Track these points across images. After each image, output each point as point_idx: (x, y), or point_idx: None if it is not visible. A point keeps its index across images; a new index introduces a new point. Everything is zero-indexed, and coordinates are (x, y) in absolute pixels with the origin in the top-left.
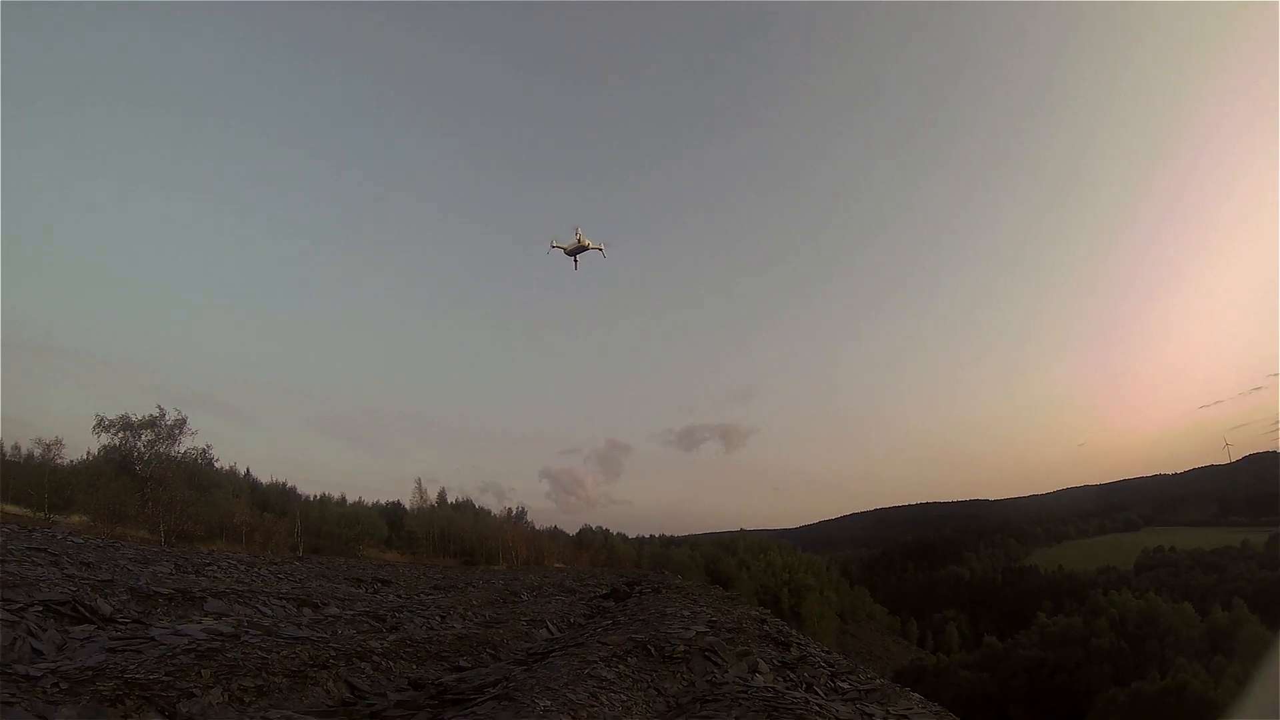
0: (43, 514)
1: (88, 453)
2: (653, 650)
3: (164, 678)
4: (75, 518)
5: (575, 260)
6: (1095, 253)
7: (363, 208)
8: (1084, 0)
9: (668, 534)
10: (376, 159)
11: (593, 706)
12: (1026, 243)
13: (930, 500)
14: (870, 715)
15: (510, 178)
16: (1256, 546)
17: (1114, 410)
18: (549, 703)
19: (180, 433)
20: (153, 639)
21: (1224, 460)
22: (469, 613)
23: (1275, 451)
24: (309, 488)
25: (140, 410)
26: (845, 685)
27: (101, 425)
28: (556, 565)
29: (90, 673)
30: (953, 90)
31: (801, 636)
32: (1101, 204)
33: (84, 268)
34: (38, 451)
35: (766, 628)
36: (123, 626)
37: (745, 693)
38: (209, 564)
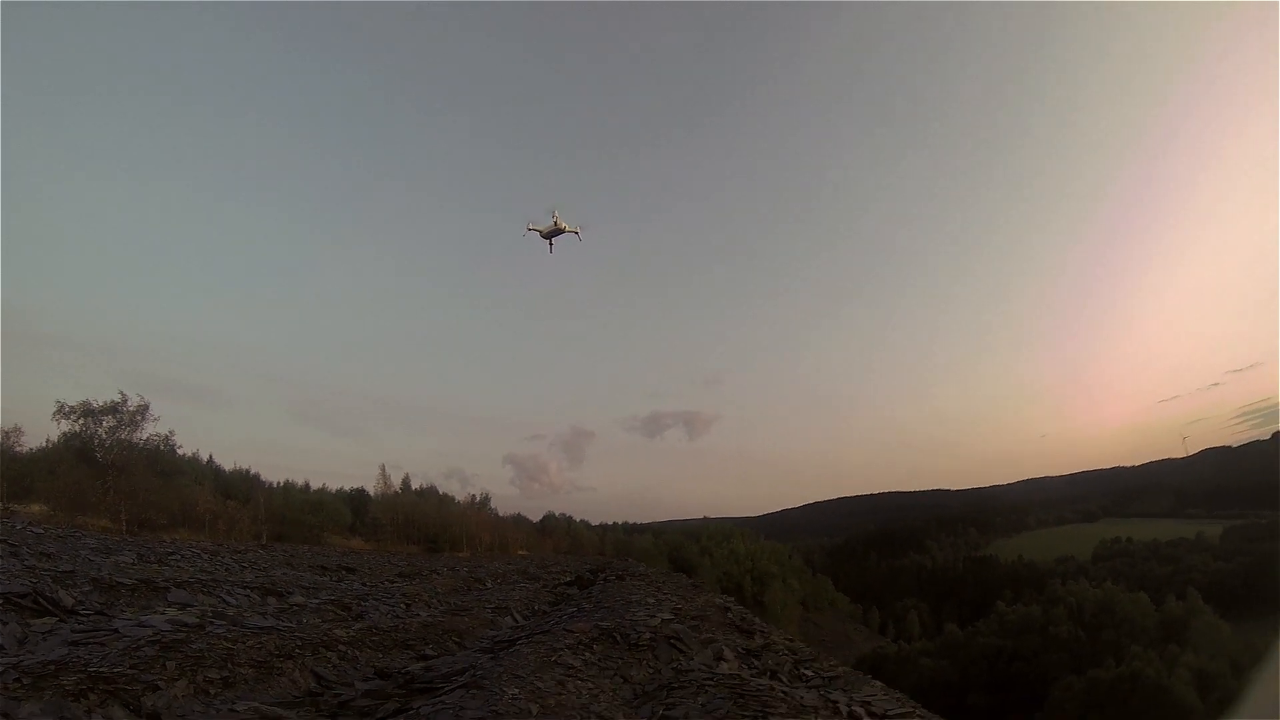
0: (1, 503)
1: (47, 440)
2: (618, 638)
3: (128, 670)
4: (35, 507)
5: (550, 243)
6: (1059, 250)
7: (330, 192)
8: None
9: (631, 521)
10: (348, 144)
11: (560, 694)
12: (993, 239)
13: (893, 490)
14: (834, 702)
15: (482, 164)
16: (1211, 539)
17: (1075, 404)
18: (517, 691)
19: (142, 419)
20: (116, 631)
21: (1181, 454)
22: (434, 600)
23: (1231, 446)
24: (272, 474)
25: (102, 396)
26: (809, 673)
27: (61, 412)
28: (520, 552)
29: (53, 667)
30: (923, 85)
31: (765, 624)
32: (1066, 202)
33: (47, 250)
34: None
35: (730, 615)
36: (85, 619)
37: (711, 680)
38: (172, 553)
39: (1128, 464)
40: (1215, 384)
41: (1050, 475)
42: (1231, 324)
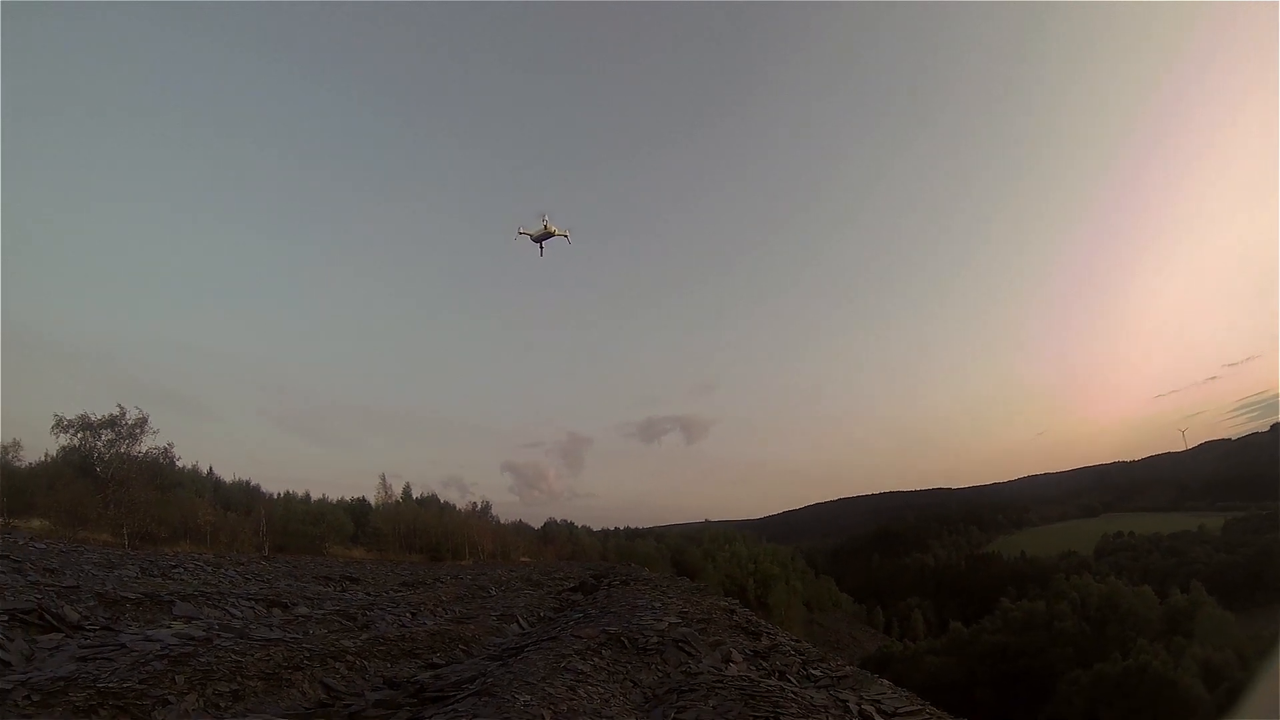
0: (1, 518)
1: (46, 454)
2: (626, 642)
3: (137, 685)
4: (35, 522)
5: (541, 246)
6: (1053, 246)
7: (324, 201)
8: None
9: (633, 526)
10: (340, 153)
11: (571, 700)
12: (986, 238)
13: (893, 489)
14: (844, 702)
15: (473, 172)
16: (1213, 530)
17: (1073, 400)
18: (529, 697)
19: (141, 432)
20: (123, 645)
21: (1180, 447)
22: (439, 609)
23: (1230, 438)
24: (272, 485)
25: (100, 408)
26: (817, 673)
27: (60, 425)
28: (523, 559)
29: (62, 683)
30: (914, 85)
31: (771, 626)
32: (1059, 200)
33: (43, 260)
34: None
35: (736, 618)
36: (91, 634)
37: (720, 682)
38: (175, 566)
39: (1127, 459)
40: (1213, 377)
41: (1050, 471)
42: (1228, 317)
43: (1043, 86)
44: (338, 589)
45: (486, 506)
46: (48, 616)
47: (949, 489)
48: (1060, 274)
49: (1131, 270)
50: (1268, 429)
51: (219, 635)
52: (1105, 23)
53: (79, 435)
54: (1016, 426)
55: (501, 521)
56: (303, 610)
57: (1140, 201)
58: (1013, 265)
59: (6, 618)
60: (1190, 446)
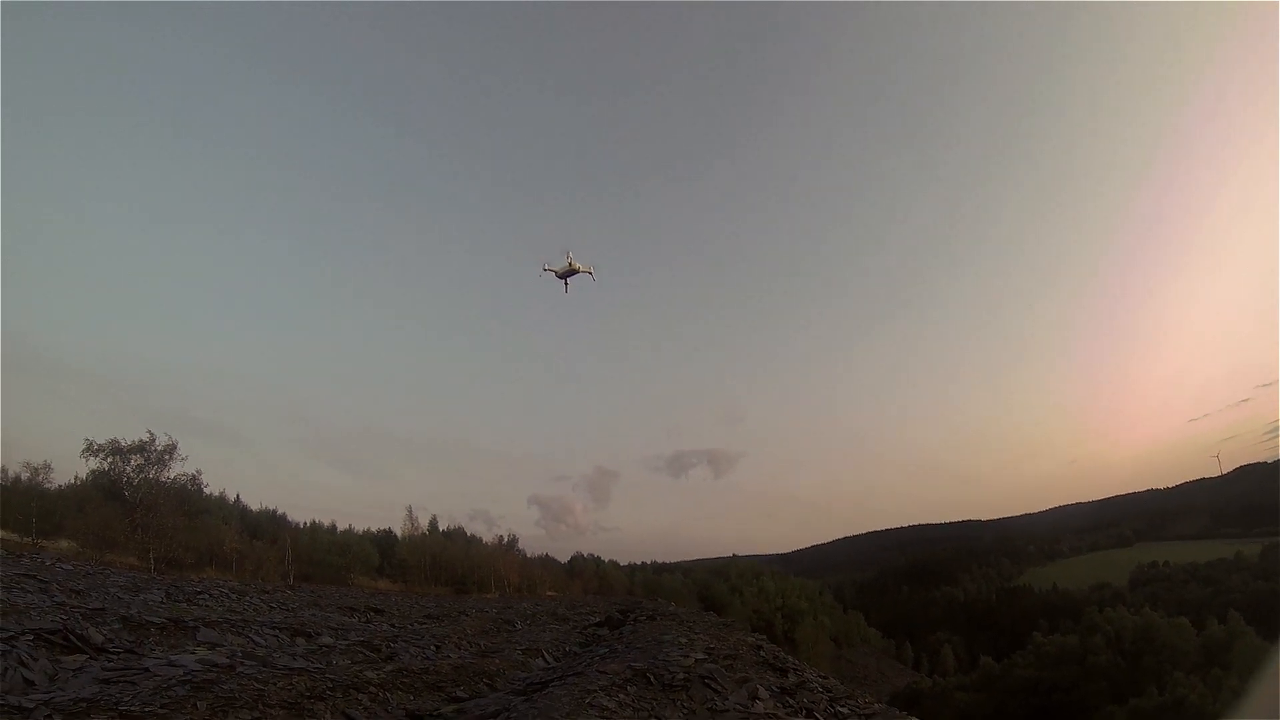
0: (30, 539)
1: (75, 477)
2: (652, 678)
3: (159, 710)
4: (63, 543)
5: (565, 283)
6: (1081, 271)
7: (357, 232)
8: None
9: (659, 561)
10: (374, 183)
11: None
12: (1014, 263)
13: (922, 522)
14: None
15: (500, 205)
16: (1250, 558)
17: (1103, 426)
18: None
19: (170, 458)
20: (147, 670)
21: (1215, 473)
22: (464, 642)
23: (1266, 462)
24: (299, 514)
25: (130, 433)
26: (844, 710)
27: (90, 449)
28: (549, 593)
29: (84, 704)
30: (940, 104)
31: (798, 662)
32: (1087, 220)
33: (75, 286)
34: (25, 475)
35: (763, 654)
36: (115, 656)
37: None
38: (200, 592)
39: (1160, 486)
40: (1245, 399)
41: (1081, 501)
42: (1260, 337)
43: (1073, 102)
44: (362, 620)
45: (513, 540)
46: (72, 638)
47: (979, 521)
48: (1090, 300)
49: (1161, 293)
50: None
51: (242, 662)
52: (1139, 29)
53: (109, 459)
54: (1047, 456)
55: (528, 555)
56: (326, 640)
57: (1170, 219)
58: (1041, 293)
59: (31, 637)
60: (1225, 471)
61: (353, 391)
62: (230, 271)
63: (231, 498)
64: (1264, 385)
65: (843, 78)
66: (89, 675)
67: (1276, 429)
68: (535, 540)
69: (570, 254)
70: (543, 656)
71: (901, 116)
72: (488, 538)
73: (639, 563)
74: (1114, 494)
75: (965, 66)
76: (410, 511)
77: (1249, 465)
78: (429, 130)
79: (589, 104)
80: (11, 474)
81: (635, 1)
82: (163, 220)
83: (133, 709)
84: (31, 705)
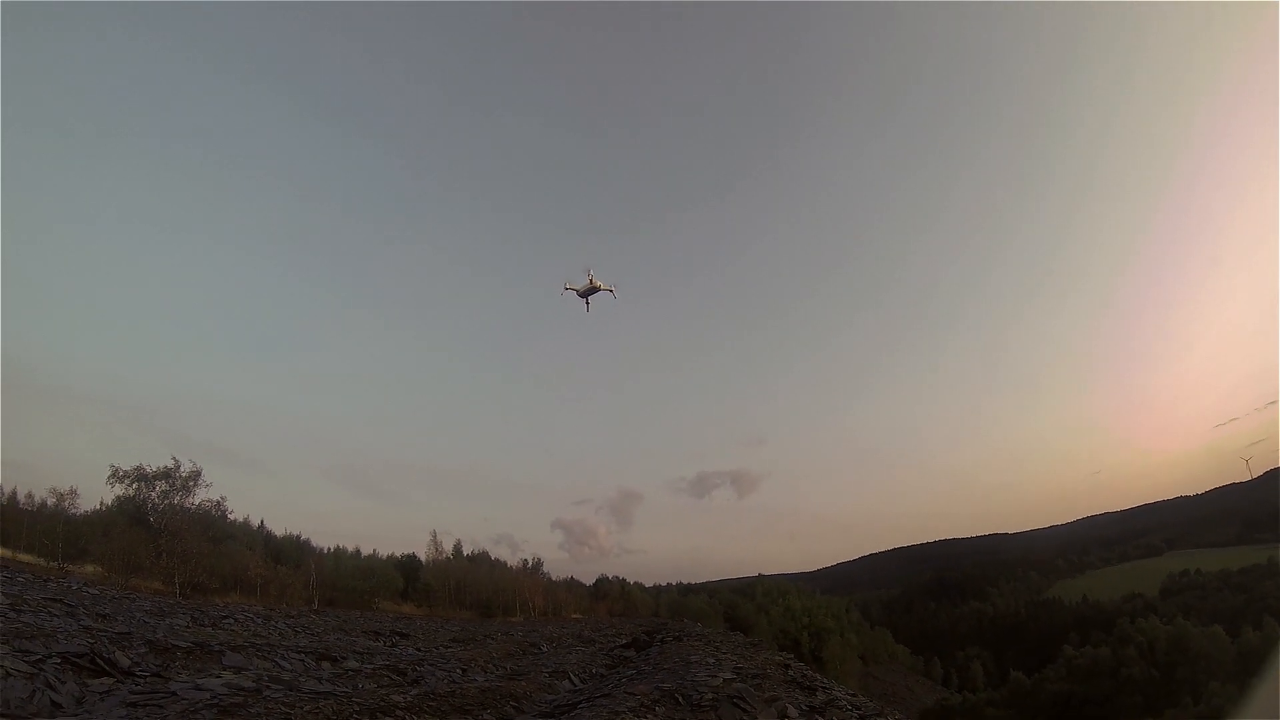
0: (56, 563)
1: (101, 502)
2: (681, 699)
3: None
4: (89, 568)
5: (587, 302)
6: (1104, 278)
7: (380, 257)
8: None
9: (684, 582)
10: (394, 208)
11: None
12: (1035, 273)
13: (949, 537)
14: None
15: (522, 229)
16: None
17: (1129, 435)
18: None
19: (195, 484)
20: (174, 693)
21: (1244, 478)
22: (490, 665)
23: None
24: (323, 540)
25: (155, 460)
26: None
27: (116, 475)
28: (574, 616)
29: None
30: (957, 119)
31: (826, 680)
32: (1110, 228)
33: (99, 312)
34: (51, 500)
35: (791, 673)
36: (142, 680)
37: None
38: (225, 617)
39: (1190, 493)
40: (1273, 402)
41: (1110, 511)
42: None
43: (1092, 112)
44: (387, 644)
45: (538, 564)
46: (99, 661)
47: (1006, 534)
48: (1113, 307)
49: (1182, 298)
50: None
51: (269, 686)
52: (1163, 26)
53: (134, 485)
54: (1072, 466)
55: (553, 578)
56: (352, 664)
57: (1190, 222)
58: (1066, 302)
59: (59, 660)
60: (1255, 476)
61: (377, 418)
62: (255, 300)
63: (256, 523)
64: None
65: (861, 91)
66: (116, 699)
67: None
68: (560, 563)
69: (591, 272)
70: (569, 679)
71: (920, 133)
72: (512, 562)
73: (664, 584)
74: (1142, 503)
75: (986, 77)
76: (434, 536)
77: (1279, 469)
78: (457, 160)
79: (615, 125)
80: (38, 500)
81: (654, 13)
82: (188, 247)
83: None
84: None
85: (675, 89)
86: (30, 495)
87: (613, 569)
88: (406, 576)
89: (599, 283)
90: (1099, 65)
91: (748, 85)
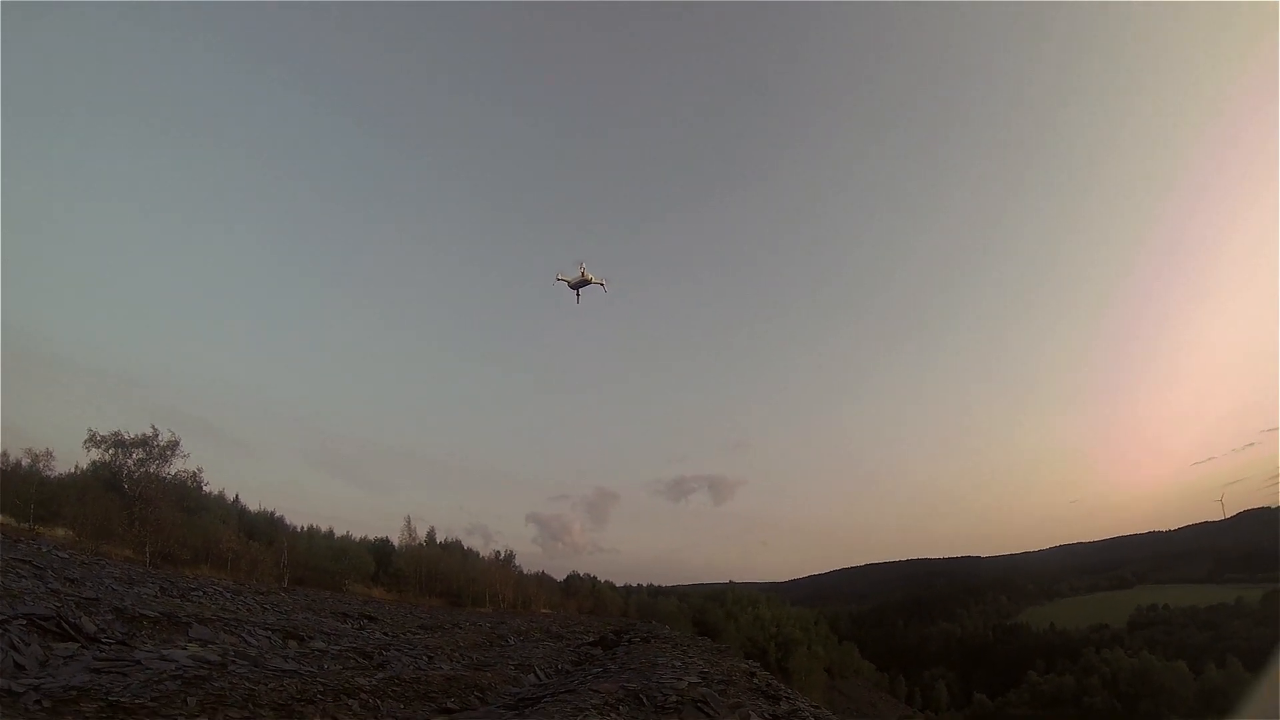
0: (27, 525)
1: (76, 466)
2: (645, 700)
3: (149, 703)
4: (60, 531)
5: (578, 294)
6: (1091, 309)
7: (365, 242)
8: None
9: (655, 584)
10: (380, 194)
11: None
12: (1027, 297)
13: (921, 556)
14: None
15: (509, 221)
16: (1252, 604)
17: (1107, 467)
18: None
19: (172, 454)
20: (138, 662)
21: (1217, 517)
22: (457, 654)
23: (1270, 507)
24: (297, 518)
25: (133, 428)
26: None
27: (93, 440)
28: (543, 611)
29: (74, 692)
30: (953, 135)
31: (790, 691)
32: (1096, 263)
33: (87, 280)
34: (26, 461)
35: (756, 681)
36: (107, 647)
37: None
38: (194, 589)
39: (1163, 528)
40: (1251, 444)
41: (1083, 541)
42: (1263, 382)
43: (1082, 139)
44: (355, 626)
45: (510, 556)
46: (65, 625)
47: (979, 557)
48: (1097, 340)
49: (1167, 335)
50: None
51: (234, 661)
52: (1158, 57)
53: (110, 451)
54: (1048, 493)
55: (524, 571)
56: (319, 644)
57: (1178, 267)
58: (1050, 331)
59: (25, 622)
60: (1228, 516)
61: (358, 403)
62: (240, 278)
63: (231, 497)
64: (1270, 430)
65: (854, 94)
66: (80, 664)
67: None
68: (532, 557)
69: (583, 265)
70: (535, 673)
71: (915, 141)
72: (485, 552)
73: (635, 585)
74: (1116, 534)
75: (980, 99)
76: (409, 521)
77: (1253, 510)
78: (437, 143)
79: (602, 121)
80: (13, 459)
81: (650, 11)
82: (177, 225)
83: (123, 700)
84: (21, 690)
85: (670, 90)
86: (5, 455)
87: (585, 566)
88: (378, 560)
89: (590, 275)
90: (1100, 84)
91: (740, 88)
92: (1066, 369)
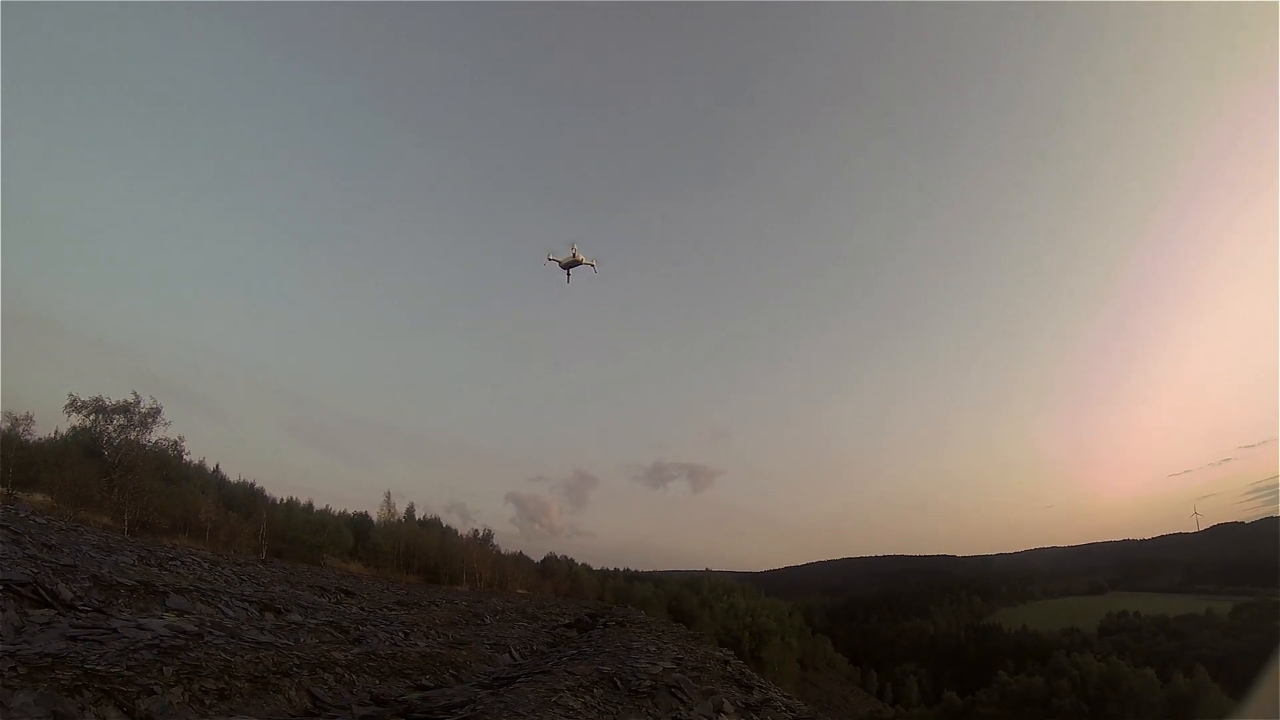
0: (5, 489)
1: (56, 432)
2: (619, 684)
3: (125, 672)
4: (37, 496)
5: (568, 274)
6: (1072, 320)
7: (353, 216)
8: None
9: (632, 569)
10: (369, 168)
11: None
12: (1006, 309)
13: (897, 553)
14: None
15: (498, 198)
16: (1221, 615)
17: (1085, 474)
18: None
19: (153, 422)
20: (114, 631)
21: (1191, 529)
22: (433, 631)
23: (1243, 522)
24: (277, 490)
25: (115, 394)
26: None
27: (74, 405)
28: (520, 591)
29: (50, 659)
30: (942, 145)
31: (763, 680)
32: (1081, 273)
33: (72, 247)
34: (5, 425)
35: (730, 669)
36: (84, 615)
37: None
38: (172, 558)
39: (1137, 537)
40: (1227, 459)
41: (1058, 545)
42: (1243, 399)
43: (1065, 155)
44: (332, 600)
45: (488, 535)
46: (42, 592)
47: (954, 557)
48: (1079, 347)
49: (1149, 347)
50: None
51: (210, 632)
52: (1141, 80)
53: (91, 417)
54: (1026, 497)
55: (501, 551)
56: (296, 617)
57: (1161, 277)
58: (1032, 336)
59: (1, 588)
60: (1202, 528)
61: (342, 378)
62: (229, 251)
63: (211, 467)
64: (1247, 446)
65: (847, 87)
66: (57, 631)
67: (1256, 490)
68: (510, 537)
69: (575, 245)
70: (510, 653)
71: (908, 139)
72: (463, 530)
73: (612, 569)
74: (1091, 541)
75: (964, 117)
76: (388, 497)
77: (1226, 524)
78: (427, 125)
79: (593, 107)
80: None
81: (644, 6)
82: (164, 195)
83: (98, 668)
84: None
85: (665, 75)
86: None
87: (562, 548)
88: (357, 535)
89: (581, 256)
90: (1082, 105)
91: (733, 83)
92: (1047, 376)
